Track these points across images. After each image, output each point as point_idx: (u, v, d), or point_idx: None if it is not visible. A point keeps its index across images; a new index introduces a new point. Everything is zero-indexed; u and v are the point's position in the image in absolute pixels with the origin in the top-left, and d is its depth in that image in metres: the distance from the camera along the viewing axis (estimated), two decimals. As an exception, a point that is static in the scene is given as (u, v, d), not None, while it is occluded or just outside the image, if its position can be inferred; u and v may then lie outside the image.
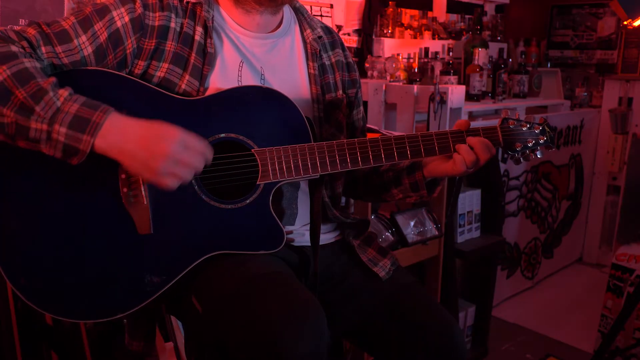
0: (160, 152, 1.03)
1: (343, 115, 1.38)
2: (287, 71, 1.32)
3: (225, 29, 1.27)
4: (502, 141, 1.26)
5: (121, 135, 1.04)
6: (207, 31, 1.23)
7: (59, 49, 1.10)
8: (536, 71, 3.61)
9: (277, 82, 1.29)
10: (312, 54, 1.35)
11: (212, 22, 1.24)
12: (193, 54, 1.21)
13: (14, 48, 1.05)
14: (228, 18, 1.28)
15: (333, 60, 1.40)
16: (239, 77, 1.25)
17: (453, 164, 1.24)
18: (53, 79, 1.04)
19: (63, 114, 1.01)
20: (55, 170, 1.09)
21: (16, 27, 1.12)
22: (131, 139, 1.04)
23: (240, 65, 1.26)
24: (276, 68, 1.30)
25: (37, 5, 1.90)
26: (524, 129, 1.27)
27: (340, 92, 1.39)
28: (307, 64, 1.35)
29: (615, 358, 2.46)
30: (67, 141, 1.02)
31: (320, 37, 1.37)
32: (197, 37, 1.21)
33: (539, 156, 1.28)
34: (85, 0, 1.99)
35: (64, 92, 1.03)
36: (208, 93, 1.21)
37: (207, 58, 1.21)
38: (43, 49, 1.09)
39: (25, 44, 1.08)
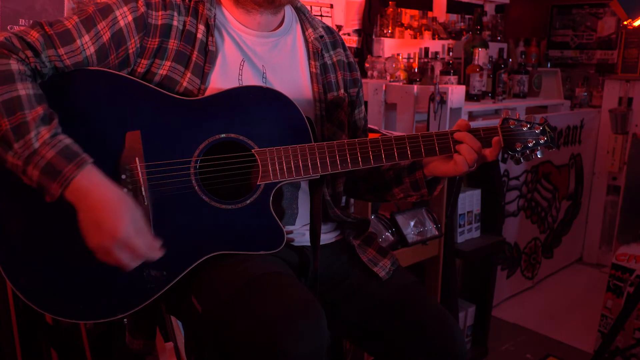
0: (95, 239, 1.03)
1: (345, 114, 1.38)
2: (289, 70, 1.32)
3: (227, 27, 1.27)
4: (503, 141, 1.26)
5: (84, 197, 1.03)
6: (209, 29, 1.23)
7: (61, 50, 1.10)
8: (536, 71, 3.61)
9: (279, 81, 1.29)
10: (314, 53, 1.35)
11: (214, 20, 1.24)
12: (195, 52, 1.21)
13: (14, 66, 1.04)
14: (230, 16, 1.28)
15: (334, 59, 1.40)
16: (240, 76, 1.25)
17: (454, 164, 1.24)
18: (41, 110, 1.03)
19: (38, 158, 1.01)
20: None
21: (18, 28, 1.12)
22: (87, 208, 1.03)
23: (242, 63, 1.26)
24: (278, 67, 1.30)
25: (37, 5, 1.90)
26: (525, 129, 1.27)
27: (342, 91, 1.39)
28: (309, 63, 1.35)
29: (615, 358, 2.46)
30: (40, 181, 1.02)
31: (321, 37, 1.37)
32: (199, 35, 1.22)
33: (539, 156, 1.28)
34: (86, 0, 1.99)
35: (46, 134, 1.02)
36: (209, 91, 1.21)
37: (209, 56, 1.21)
38: (47, 52, 1.09)
39: (29, 53, 1.07)
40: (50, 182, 1.02)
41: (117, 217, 1.03)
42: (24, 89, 1.03)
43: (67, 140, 1.04)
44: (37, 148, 1.01)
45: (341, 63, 1.41)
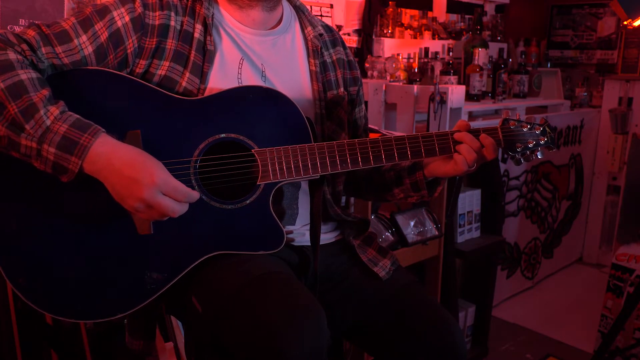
0: (135, 195, 1.03)
1: (345, 113, 1.38)
2: (288, 68, 1.32)
3: (224, 26, 1.27)
4: (503, 141, 1.26)
5: (107, 163, 1.04)
6: (206, 28, 1.23)
7: (59, 49, 1.10)
8: (536, 71, 3.61)
9: (278, 80, 1.29)
10: (313, 51, 1.35)
11: (212, 19, 1.24)
12: (193, 52, 1.21)
13: (11, 56, 1.04)
14: (227, 15, 1.28)
15: (334, 57, 1.40)
16: (239, 75, 1.25)
17: (454, 164, 1.24)
18: (46, 92, 1.04)
19: (52, 134, 1.01)
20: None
21: (16, 29, 1.12)
22: (115, 171, 1.04)
23: (241, 62, 1.26)
24: (277, 65, 1.30)
25: (37, 5, 1.90)
26: (525, 129, 1.27)
27: (342, 89, 1.39)
28: (308, 61, 1.35)
29: (615, 358, 2.46)
30: (57, 160, 1.02)
31: (321, 35, 1.37)
32: (196, 35, 1.22)
33: (539, 157, 1.28)
34: (86, 0, 1.99)
35: (55, 110, 1.03)
36: (209, 90, 1.21)
37: (207, 55, 1.21)
38: (43, 49, 1.09)
39: (25, 46, 1.07)
40: (67, 157, 1.02)
41: (148, 167, 1.05)
42: (25, 74, 1.04)
43: (76, 115, 1.05)
44: (49, 125, 1.02)
45: (341, 61, 1.41)
